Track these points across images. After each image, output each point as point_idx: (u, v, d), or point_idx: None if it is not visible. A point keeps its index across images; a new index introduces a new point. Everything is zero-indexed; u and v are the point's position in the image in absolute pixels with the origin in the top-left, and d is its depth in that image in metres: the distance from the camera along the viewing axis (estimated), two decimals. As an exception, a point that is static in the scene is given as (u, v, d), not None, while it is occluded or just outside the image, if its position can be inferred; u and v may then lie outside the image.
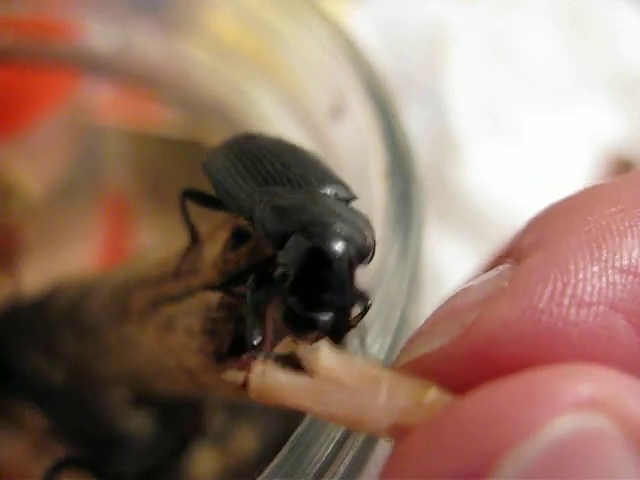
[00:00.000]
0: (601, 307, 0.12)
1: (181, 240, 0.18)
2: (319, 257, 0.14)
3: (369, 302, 0.15)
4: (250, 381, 0.13)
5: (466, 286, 0.14)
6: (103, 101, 0.31)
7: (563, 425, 0.11)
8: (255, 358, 0.13)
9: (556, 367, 0.12)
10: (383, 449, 0.15)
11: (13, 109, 0.29)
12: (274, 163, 0.16)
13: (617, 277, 0.13)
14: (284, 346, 0.14)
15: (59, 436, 0.24)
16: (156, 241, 0.31)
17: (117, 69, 0.27)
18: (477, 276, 0.14)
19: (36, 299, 0.25)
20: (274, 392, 0.13)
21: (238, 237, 0.16)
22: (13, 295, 0.27)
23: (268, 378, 0.13)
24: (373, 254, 0.15)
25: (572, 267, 0.13)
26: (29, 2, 0.26)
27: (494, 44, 0.37)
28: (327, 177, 0.16)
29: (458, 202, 0.34)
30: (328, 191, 0.15)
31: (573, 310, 0.12)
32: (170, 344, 0.17)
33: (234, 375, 0.15)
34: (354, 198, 0.16)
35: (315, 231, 0.14)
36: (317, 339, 0.13)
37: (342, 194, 0.16)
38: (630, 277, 0.13)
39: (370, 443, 0.15)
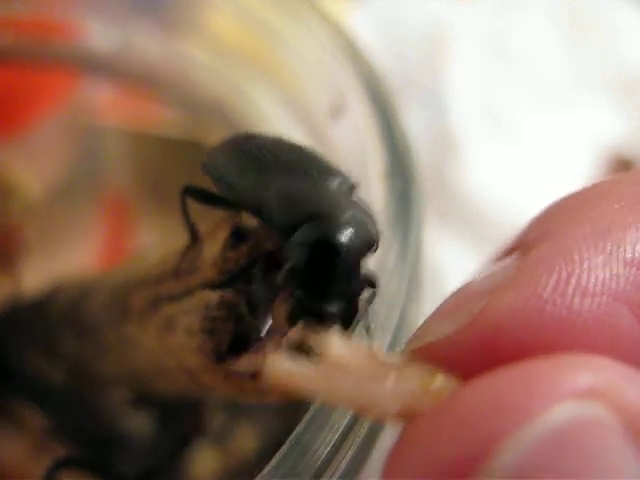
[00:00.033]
0: (604, 297, 0.13)
1: (181, 240, 0.18)
2: (328, 249, 0.14)
3: (376, 286, 0.15)
4: (264, 369, 0.13)
5: (473, 278, 0.14)
6: (103, 101, 0.31)
7: (561, 413, 0.11)
8: (266, 347, 0.14)
9: (557, 357, 0.12)
10: (383, 447, 0.15)
11: (13, 109, 0.29)
12: (277, 158, 0.16)
13: (621, 269, 0.13)
14: (294, 333, 0.14)
15: (59, 436, 0.24)
16: (156, 241, 0.31)
17: (117, 69, 0.27)
18: (484, 269, 0.14)
19: (36, 299, 0.25)
20: (287, 379, 0.13)
21: (238, 236, 0.16)
22: (13, 295, 0.27)
23: (280, 365, 0.13)
24: (379, 243, 0.15)
25: (577, 257, 0.13)
26: (29, 2, 0.26)
27: (494, 44, 0.37)
28: (330, 169, 0.16)
29: (458, 202, 0.34)
30: (333, 181, 0.16)
31: (577, 299, 0.13)
32: (170, 344, 0.17)
33: (246, 363, 0.15)
34: (356, 187, 0.16)
35: (324, 223, 0.14)
36: (327, 328, 0.14)
37: (345, 184, 0.16)
38: (634, 269, 0.13)
39: (370, 441, 0.15)
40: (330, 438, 0.14)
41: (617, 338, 0.13)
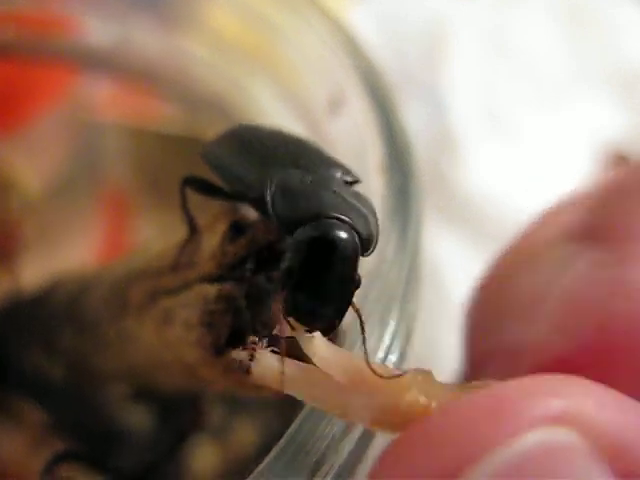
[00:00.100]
0: None
1: (180, 235, 0.18)
2: (329, 251, 0.14)
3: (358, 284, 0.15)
4: (252, 368, 0.14)
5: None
6: (102, 97, 0.31)
7: (530, 439, 0.12)
8: (256, 345, 0.14)
9: (532, 380, 0.12)
10: (380, 445, 0.15)
11: (13, 104, 0.29)
12: (278, 148, 0.16)
13: None
14: (286, 332, 0.14)
15: (58, 431, 0.24)
16: (155, 237, 0.31)
17: (116, 64, 0.27)
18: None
19: (35, 295, 0.25)
20: (271, 378, 0.13)
21: (236, 229, 0.16)
22: (12, 291, 0.27)
23: (267, 364, 0.13)
24: (377, 243, 0.15)
25: None
26: (29, -3, 0.26)
27: (494, 40, 0.37)
28: (332, 161, 0.16)
29: (457, 197, 0.34)
30: (335, 174, 0.16)
31: None
32: (168, 337, 0.17)
33: (238, 360, 0.15)
34: (359, 181, 0.16)
35: (327, 225, 0.14)
36: (319, 328, 0.14)
37: (348, 178, 0.16)
38: None
39: (367, 438, 0.15)
40: (327, 433, 0.14)
41: None
